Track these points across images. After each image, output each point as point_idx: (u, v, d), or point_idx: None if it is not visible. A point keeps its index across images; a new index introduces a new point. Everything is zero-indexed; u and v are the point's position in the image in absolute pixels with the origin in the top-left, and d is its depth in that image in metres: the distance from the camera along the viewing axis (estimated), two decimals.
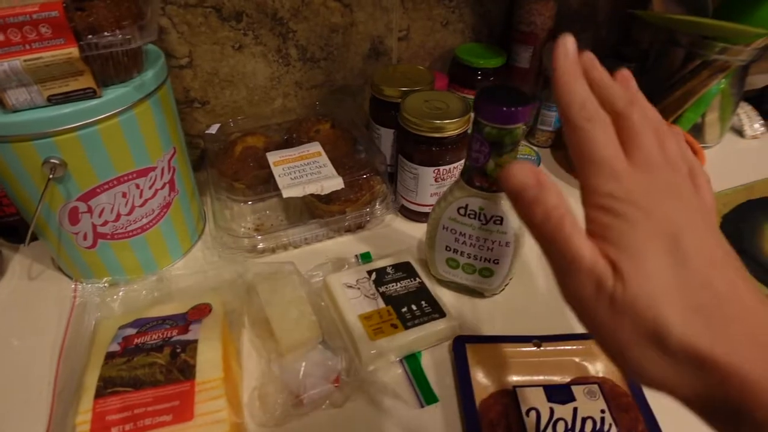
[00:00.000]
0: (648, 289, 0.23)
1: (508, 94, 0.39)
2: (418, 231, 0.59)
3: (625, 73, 0.32)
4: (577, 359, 0.46)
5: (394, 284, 0.50)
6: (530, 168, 0.27)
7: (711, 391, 0.23)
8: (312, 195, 0.54)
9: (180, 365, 0.42)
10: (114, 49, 0.41)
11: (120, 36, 0.41)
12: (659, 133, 0.28)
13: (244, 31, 0.61)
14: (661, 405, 0.42)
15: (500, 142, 0.40)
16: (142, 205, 0.49)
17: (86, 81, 0.41)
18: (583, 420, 0.41)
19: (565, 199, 0.26)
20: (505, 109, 0.38)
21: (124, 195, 0.47)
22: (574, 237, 0.25)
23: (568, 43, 0.29)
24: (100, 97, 0.42)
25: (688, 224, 0.25)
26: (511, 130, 0.39)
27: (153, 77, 0.46)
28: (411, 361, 0.46)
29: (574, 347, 0.46)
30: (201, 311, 0.47)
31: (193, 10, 0.58)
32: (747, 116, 0.87)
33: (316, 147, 0.59)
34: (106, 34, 0.40)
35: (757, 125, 0.86)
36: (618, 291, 0.24)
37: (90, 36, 0.40)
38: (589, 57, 0.31)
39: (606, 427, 0.40)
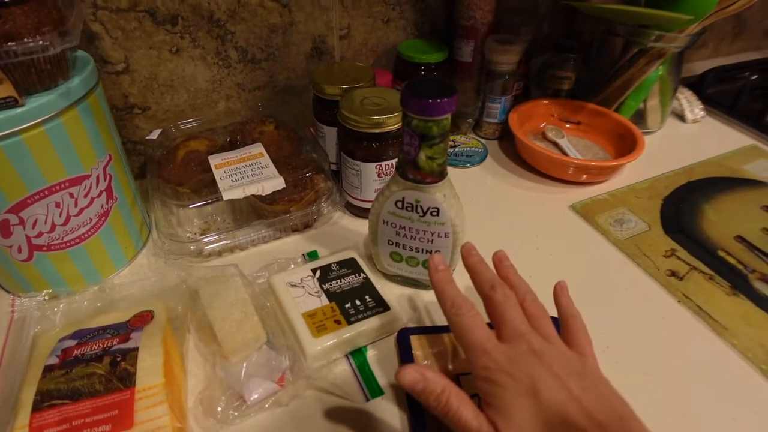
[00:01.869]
0: None
1: (433, 87, 0.39)
2: (364, 227, 0.59)
3: (500, 254, 0.43)
4: None
5: (338, 281, 0.50)
6: (414, 368, 0.34)
7: None
8: (255, 196, 0.54)
9: (120, 374, 0.41)
10: (34, 56, 0.40)
11: (40, 42, 0.40)
12: (522, 304, 0.37)
13: (181, 34, 0.60)
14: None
15: (428, 134, 0.40)
16: (78, 214, 0.48)
17: (6, 90, 0.40)
18: None
19: (449, 383, 0.34)
20: (430, 101, 0.39)
21: (57, 205, 0.46)
22: (461, 410, 0.33)
23: (436, 259, 0.40)
24: (22, 105, 0.41)
25: (543, 377, 0.32)
26: (438, 121, 0.40)
27: (80, 84, 0.45)
28: (357, 355, 0.46)
29: None
30: (143, 319, 0.46)
31: (126, 15, 0.57)
32: (688, 102, 0.90)
33: (258, 148, 0.58)
34: (25, 40, 0.39)
35: (697, 110, 0.89)
36: None
37: (7, 43, 0.39)
38: (467, 248, 0.42)
39: None
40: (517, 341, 0.34)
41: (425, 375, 0.34)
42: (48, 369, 0.42)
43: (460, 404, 0.33)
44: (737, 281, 0.55)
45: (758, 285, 0.55)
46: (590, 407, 0.30)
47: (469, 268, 0.40)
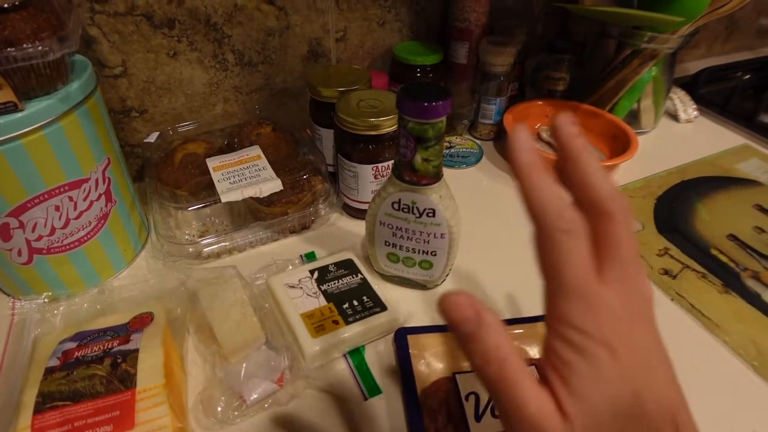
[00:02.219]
0: None
1: (429, 90, 0.40)
2: (361, 228, 0.60)
3: (593, 160, 0.25)
4: (516, 343, 0.47)
5: (336, 282, 0.50)
6: (467, 299, 0.24)
7: None
8: (253, 198, 0.55)
9: (120, 375, 0.42)
10: (33, 62, 0.40)
11: (39, 48, 0.40)
12: (639, 260, 0.25)
13: (178, 37, 0.61)
14: None
15: (424, 136, 0.41)
16: (77, 218, 0.49)
17: (6, 95, 0.40)
18: None
19: (509, 340, 0.23)
20: (426, 104, 0.39)
21: (57, 208, 0.47)
22: (519, 385, 0.22)
23: (521, 134, 0.25)
24: (22, 110, 0.41)
25: (658, 377, 0.23)
26: (433, 123, 0.40)
27: (79, 88, 0.45)
28: (354, 355, 0.47)
29: (514, 332, 0.48)
30: (142, 321, 0.47)
31: (124, 19, 0.57)
32: (681, 101, 0.91)
33: (255, 151, 0.59)
34: (24, 46, 0.40)
35: (690, 110, 0.90)
36: None
37: (7, 49, 0.39)
38: (566, 121, 0.26)
39: None
40: (635, 297, 0.24)
41: (482, 315, 0.23)
42: (49, 371, 0.42)
43: (520, 374, 0.23)
44: (729, 279, 0.56)
45: (750, 283, 0.56)
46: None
47: (572, 157, 0.25)
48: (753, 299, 0.54)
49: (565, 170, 0.25)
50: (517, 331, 0.48)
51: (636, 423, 0.22)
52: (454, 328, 0.24)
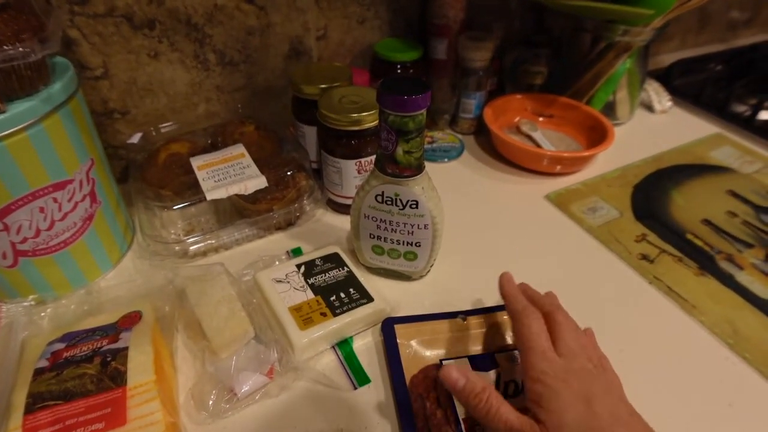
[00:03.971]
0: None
1: (408, 84, 0.41)
2: (346, 223, 0.60)
3: (551, 293, 0.47)
4: (500, 329, 0.49)
5: (323, 275, 0.51)
6: (456, 368, 0.38)
7: None
8: (238, 195, 0.55)
9: (111, 373, 0.42)
10: (15, 63, 0.41)
11: (20, 49, 0.40)
12: (576, 331, 0.41)
13: (159, 38, 0.61)
14: None
15: (405, 129, 0.42)
16: (62, 219, 0.49)
17: None
18: (506, 383, 0.44)
19: (489, 383, 0.37)
20: (405, 97, 0.40)
21: (41, 210, 0.47)
22: (502, 409, 0.36)
23: (506, 276, 0.47)
24: (4, 112, 0.41)
25: (598, 393, 0.35)
26: (414, 116, 0.41)
27: (61, 89, 0.46)
28: (343, 346, 0.48)
29: (498, 318, 0.49)
30: (131, 319, 0.47)
31: (103, 20, 0.57)
32: (656, 93, 0.93)
33: (239, 149, 0.59)
34: (5, 47, 0.40)
35: (665, 101, 0.92)
36: None
37: None
38: (524, 285, 0.47)
39: None
40: (572, 358, 0.38)
41: (467, 375, 0.38)
42: (38, 372, 0.42)
43: (501, 403, 0.36)
44: (704, 262, 0.58)
45: (724, 265, 0.58)
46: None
47: (527, 296, 0.45)
48: (727, 280, 0.56)
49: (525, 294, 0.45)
50: (501, 317, 0.49)
51: (590, 426, 0.34)
52: (452, 388, 0.38)
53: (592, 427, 0.33)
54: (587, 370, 0.37)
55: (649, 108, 0.91)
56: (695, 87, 0.93)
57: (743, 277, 0.56)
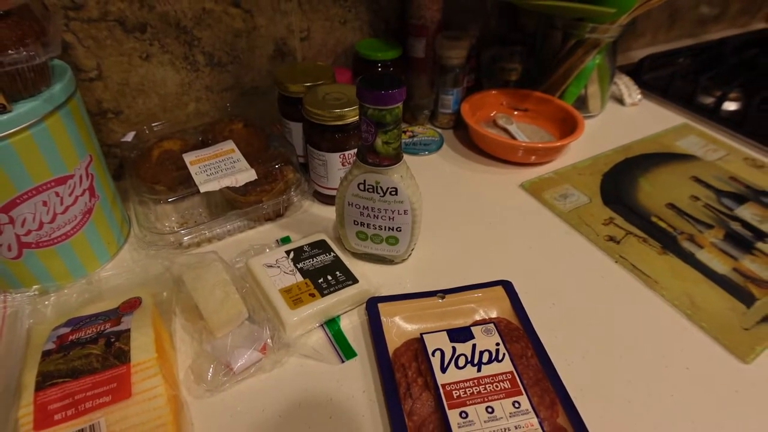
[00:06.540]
0: None
1: (384, 80, 0.45)
2: (332, 213, 0.64)
3: None
4: (475, 306, 0.52)
5: (311, 260, 0.55)
6: None
7: None
8: (229, 188, 0.58)
9: (115, 352, 0.45)
10: (20, 66, 0.44)
11: (24, 53, 0.44)
12: None
13: (150, 41, 0.64)
14: (547, 334, 0.49)
15: (383, 121, 0.46)
16: (63, 212, 0.52)
17: None
18: (481, 353, 0.48)
19: None
20: (383, 92, 0.44)
21: (44, 203, 0.50)
22: None
23: None
24: (10, 111, 0.44)
25: None
26: (391, 109, 0.45)
27: (61, 90, 0.49)
28: (331, 324, 0.51)
29: (473, 296, 0.53)
30: (132, 305, 0.50)
31: (97, 25, 0.60)
32: (626, 87, 0.97)
33: (229, 145, 0.63)
34: (10, 52, 0.43)
35: (635, 94, 0.97)
36: None
37: None
38: None
39: (500, 356, 0.47)
40: None
41: None
42: (46, 354, 0.45)
43: None
44: (667, 242, 0.62)
45: (686, 244, 0.62)
46: None
47: None
48: (688, 258, 0.60)
49: None
50: (476, 295, 0.53)
51: None
52: None
53: None
54: None
55: (620, 101, 0.96)
56: (664, 80, 0.98)
57: (703, 255, 0.61)
